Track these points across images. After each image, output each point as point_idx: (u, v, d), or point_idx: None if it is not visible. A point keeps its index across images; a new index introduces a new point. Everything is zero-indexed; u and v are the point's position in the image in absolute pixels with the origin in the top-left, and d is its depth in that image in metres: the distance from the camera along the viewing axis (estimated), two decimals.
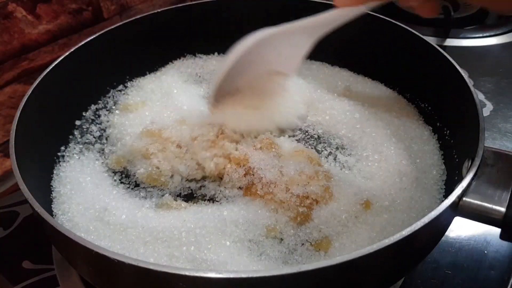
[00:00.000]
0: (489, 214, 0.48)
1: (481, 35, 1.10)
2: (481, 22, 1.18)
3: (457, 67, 0.65)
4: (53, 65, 0.69)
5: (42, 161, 0.66)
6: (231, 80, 0.65)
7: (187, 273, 0.39)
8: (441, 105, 0.71)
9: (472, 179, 0.49)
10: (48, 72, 0.68)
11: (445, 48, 1.05)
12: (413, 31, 0.75)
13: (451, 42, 1.07)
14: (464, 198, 0.49)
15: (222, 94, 0.67)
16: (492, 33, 1.10)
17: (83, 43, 0.74)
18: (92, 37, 0.76)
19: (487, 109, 0.89)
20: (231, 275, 0.40)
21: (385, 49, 0.80)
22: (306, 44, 0.66)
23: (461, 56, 1.03)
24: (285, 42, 0.65)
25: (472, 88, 0.60)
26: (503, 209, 0.48)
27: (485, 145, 0.52)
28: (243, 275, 0.39)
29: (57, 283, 0.63)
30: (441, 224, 0.50)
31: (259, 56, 0.65)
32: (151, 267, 0.40)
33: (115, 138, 0.73)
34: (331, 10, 0.61)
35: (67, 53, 0.71)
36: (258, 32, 0.64)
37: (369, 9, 0.59)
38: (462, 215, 0.50)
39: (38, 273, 0.65)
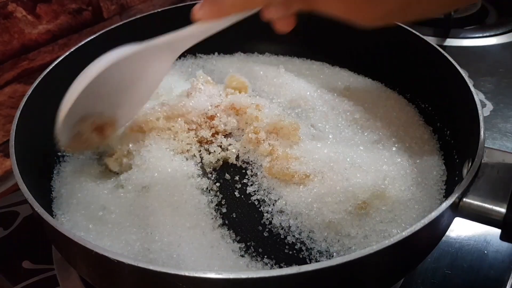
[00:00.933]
0: (489, 215, 0.48)
1: (481, 35, 1.10)
2: (481, 22, 1.18)
3: (457, 67, 0.65)
4: (53, 65, 0.69)
5: (42, 161, 0.66)
6: (82, 106, 0.58)
7: (186, 273, 0.40)
8: (441, 105, 0.71)
9: (472, 179, 0.49)
10: (48, 72, 0.68)
11: (445, 48, 1.05)
12: (413, 31, 0.75)
13: (451, 42, 1.07)
14: (464, 199, 0.49)
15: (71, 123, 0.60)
16: (492, 33, 1.10)
17: (83, 43, 0.74)
18: (92, 37, 0.76)
19: (487, 109, 0.89)
20: (231, 276, 0.40)
21: (385, 49, 0.80)
22: (168, 62, 0.62)
23: (461, 56, 1.03)
24: (145, 61, 0.61)
25: (472, 88, 0.60)
26: (503, 210, 0.48)
27: (485, 145, 0.52)
28: (243, 276, 0.40)
29: (57, 283, 0.64)
30: (441, 224, 0.50)
31: (116, 77, 0.60)
32: (151, 267, 0.40)
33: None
34: (191, 25, 0.57)
35: (67, 53, 0.72)
36: (116, 51, 0.59)
37: (231, 23, 0.55)
38: (462, 216, 0.50)
39: (38, 273, 0.65)
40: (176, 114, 0.70)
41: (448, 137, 0.67)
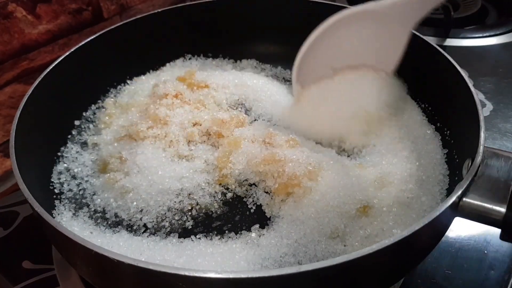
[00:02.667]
0: (489, 215, 0.48)
1: (481, 35, 1.10)
2: (481, 22, 1.18)
3: (457, 67, 0.65)
4: (53, 65, 0.69)
5: (42, 160, 0.66)
6: (316, 58, 0.63)
7: (186, 273, 0.39)
8: (441, 105, 0.71)
9: (472, 179, 0.49)
10: (48, 72, 0.68)
11: (445, 48, 1.05)
12: (413, 31, 0.74)
13: (451, 42, 1.07)
14: (464, 199, 0.49)
15: (306, 75, 0.65)
16: (492, 33, 1.11)
17: (83, 43, 0.75)
18: (92, 37, 0.76)
19: (487, 109, 0.89)
20: (231, 275, 0.40)
21: None
22: (404, 33, 0.62)
23: (461, 56, 1.03)
24: (378, 28, 0.61)
25: (472, 88, 0.60)
26: (503, 210, 0.48)
27: (485, 145, 0.52)
28: (242, 275, 0.40)
29: (57, 283, 0.63)
30: (441, 224, 0.50)
31: (349, 38, 0.62)
32: (151, 267, 0.40)
33: (108, 138, 0.73)
34: None
35: (67, 53, 0.72)
36: (350, 9, 0.61)
37: None
38: (462, 216, 0.50)
39: (38, 273, 0.65)
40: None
41: (448, 137, 0.67)
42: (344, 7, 0.84)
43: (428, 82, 0.74)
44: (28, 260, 0.67)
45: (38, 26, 0.85)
